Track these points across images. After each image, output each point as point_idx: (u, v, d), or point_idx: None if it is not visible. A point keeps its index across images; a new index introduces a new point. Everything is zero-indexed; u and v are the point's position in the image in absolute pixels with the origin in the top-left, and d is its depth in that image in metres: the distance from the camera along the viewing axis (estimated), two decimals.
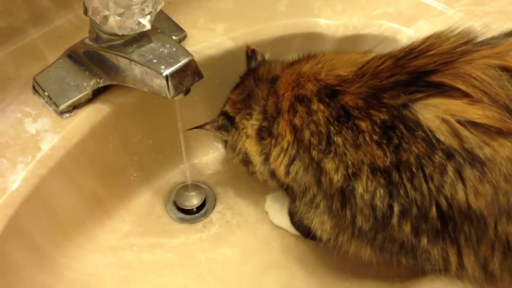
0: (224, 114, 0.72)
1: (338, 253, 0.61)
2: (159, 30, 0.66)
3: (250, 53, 0.74)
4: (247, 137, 0.68)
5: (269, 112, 0.65)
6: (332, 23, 0.79)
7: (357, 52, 0.66)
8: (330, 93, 0.59)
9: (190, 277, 0.73)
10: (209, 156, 0.85)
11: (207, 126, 0.72)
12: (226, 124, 0.71)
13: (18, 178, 0.63)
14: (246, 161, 0.72)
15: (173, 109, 0.72)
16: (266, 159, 0.66)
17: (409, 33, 0.77)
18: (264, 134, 0.66)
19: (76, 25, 0.75)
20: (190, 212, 0.80)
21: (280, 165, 0.63)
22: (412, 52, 0.56)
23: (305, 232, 0.70)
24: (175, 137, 0.76)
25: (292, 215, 0.74)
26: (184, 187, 0.81)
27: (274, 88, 0.66)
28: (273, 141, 0.64)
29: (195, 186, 0.82)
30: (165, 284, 0.72)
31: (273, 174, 0.66)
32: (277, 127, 0.63)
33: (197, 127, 0.72)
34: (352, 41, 0.78)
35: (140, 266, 0.73)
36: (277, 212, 0.78)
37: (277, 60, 0.72)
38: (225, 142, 0.75)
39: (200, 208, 0.80)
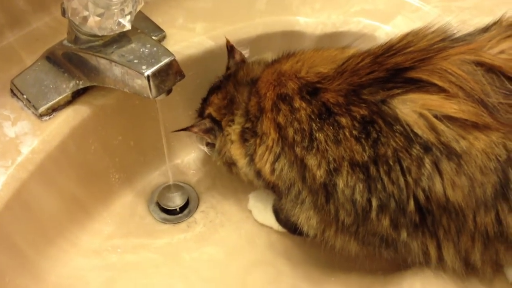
0: (209, 117, 0.73)
1: (325, 248, 0.63)
2: (139, 30, 0.67)
3: (229, 48, 0.75)
4: (232, 142, 0.70)
5: (252, 112, 0.67)
6: (311, 21, 0.81)
7: (336, 48, 0.68)
8: (311, 90, 0.61)
9: (175, 276, 0.74)
10: (191, 156, 0.87)
11: (195, 129, 0.73)
12: (214, 127, 0.72)
13: None
14: (230, 163, 0.73)
15: (153, 109, 0.73)
16: (251, 160, 0.68)
17: (387, 30, 0.79)
18: (248, 135, 0.68)
19: (54, 27, 0.76)
20: (173, 212, 0.81)
21: (265, 164, 0.65)
22: (391, 49, 0.58)
23: (291, 228, 0.72)
24: (156, 137, 0.77)
25: (277, 212, 0.76)
26: (167, 188, 0.83)
27: (255, 88, 0.68)
28: (257, 141, 0.65)
29: (178, 186, 0.83)
30: (151, 285, 0.73)
31: (258, 174, 0.68)
32: (261, 126, 0.65)
33: (183, 129, 0.73)
34: (331, 38, 0.81)
35: (125, 267, 0.74)
36: (260, 210, 0.80)
37: (255, 61, 0.74)
38: (209, 144, 0.76)
39: (183, 208, 0.82)
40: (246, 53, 0.77)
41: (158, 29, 0.78)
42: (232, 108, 0.70)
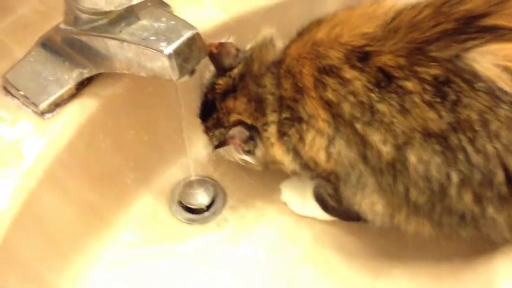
0: (240, 124, 0.64)
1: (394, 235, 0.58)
2: (149, 4, 0.61)
3: (217, 49, 0.66)
4: (272, 145, 0.64)
5: (288, 96, 0.60)
6: None
7: (370, 3, 0.61)
8: (361, 56, 0.55)
9: (213, 281, 0.69)
10: (210, 146, 0.80)
11: (236, 140, 0.63)
12: (252, 134, 0.64)
13: (4, 195, 0.58)
14: (271, 163, 0.67)
15: (167, 96, 0.67)
16: (296, 153, 0.62)
17: None
18: (286, 127, 0.61)
19: (43, 11, 0.71)
20: (199, 211, 0.75)
21: (318, 151, 0.59)
22: None
23: (346, 216, 0.67)
24: (172, 128, 0.72)
25: (323, 200, 0.70)
26: (189, 184, 0.76)
27: (284, 69, 0.61)
28: (303, 127, 0.59)
29: (200, 182, 0.77)
30: None
31: (306, 166, 0.62)
32: (304, 110, 0.59)
33: (221, 144, 0.65)
34: None
35: (154, 276, 0.69)
36: (298, 200, 0.74)
37: (260, 45, 0.66)
38: (248, 152, 0.67)
39: (209, 205, 0.75)
40: (231, 41, 0.69)
41: (163, 4, 0.71)
42: (263, 108, 0.63)
